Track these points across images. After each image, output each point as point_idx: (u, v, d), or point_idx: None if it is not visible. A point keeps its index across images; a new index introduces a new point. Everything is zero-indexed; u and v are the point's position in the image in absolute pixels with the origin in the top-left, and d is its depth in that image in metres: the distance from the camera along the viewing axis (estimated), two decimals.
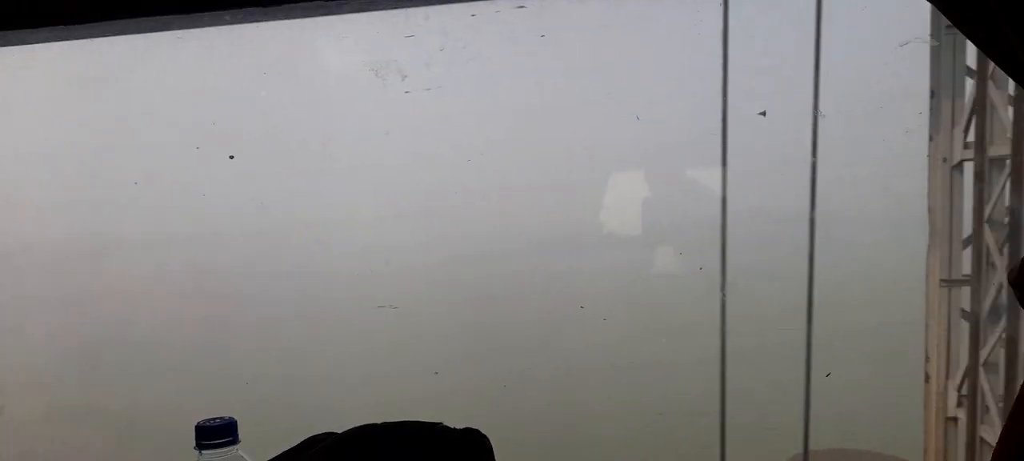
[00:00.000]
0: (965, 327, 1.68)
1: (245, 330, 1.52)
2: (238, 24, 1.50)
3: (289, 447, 1.01)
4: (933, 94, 1.62)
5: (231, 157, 1.55)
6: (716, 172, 1.39)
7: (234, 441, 1.12)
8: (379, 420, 0.96)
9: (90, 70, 1.59)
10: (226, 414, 1.10)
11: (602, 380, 1.40)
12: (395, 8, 1.41)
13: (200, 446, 1.09)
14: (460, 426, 0.96)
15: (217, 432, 1.09)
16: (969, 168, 1.65)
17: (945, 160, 1.68)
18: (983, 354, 1.74)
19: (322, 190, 1.47)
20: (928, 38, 1.26)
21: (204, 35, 1.54)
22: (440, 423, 0.98)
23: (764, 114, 1.39)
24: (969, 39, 0.89)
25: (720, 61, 1.37)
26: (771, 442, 1.39)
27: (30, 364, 1.62)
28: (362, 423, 0.97)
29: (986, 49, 0.84)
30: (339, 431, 0.95)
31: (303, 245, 1.49)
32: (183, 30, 1.56)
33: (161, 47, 1.56)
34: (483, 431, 0.97)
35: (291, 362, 1.49)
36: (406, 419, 0.96)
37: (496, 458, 0.95)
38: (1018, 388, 0.59)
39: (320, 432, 1.01)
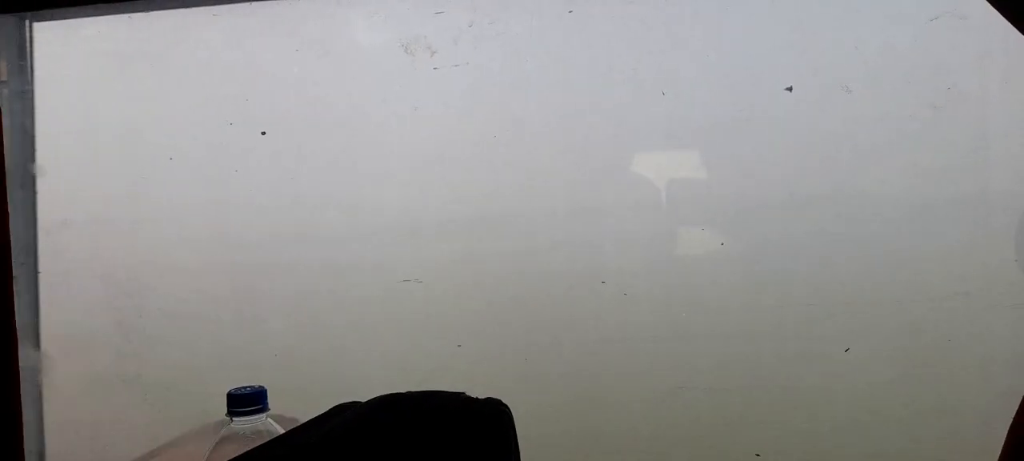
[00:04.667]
0: None
1: (276, 303, 1.55)
2: (272, 0, 1.53)
3: (314, 416, 1.04)
4: None
5: (263, 133, 1.58)
6: (743, 151, 1.40)
7: (263, 409, 1.15)
8: (404, 390, 0.99)
9: (127, 47, 1.62)
10: (256, 383, 1.13)
11: (623, 353, 1.41)
12: None
13: (231, 413, 1.12)
14: (482, 396, 0.98)
15: (248, 400, 1.13)
16: None
17: None
18: None
19: (352, 165, 1.49)
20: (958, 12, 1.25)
21: (238, 12, 1.57)
22: (462, 393, 1.00)
23: (791, 89, 1.38)
24: (1000, 12, 0.88)
25: (746, 33, 1.38)
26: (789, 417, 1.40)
27: (69, 335, 1.66)
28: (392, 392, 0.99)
29: (1016, 22, 0.83)
30: (363, 401, 0.98)
31: (333, 219, 1.51)
32: (218, 7, 1.59)
33: (197, 24, 1.59)
34: (507, 402, 0.99)
35: (319, 335, 1.52)
36: (429, 389, 0.99)
37: (518, 428, 0.97)
38: None
39: (344, 402, 1.03)
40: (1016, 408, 0.82)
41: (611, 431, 1.44)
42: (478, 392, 0.97)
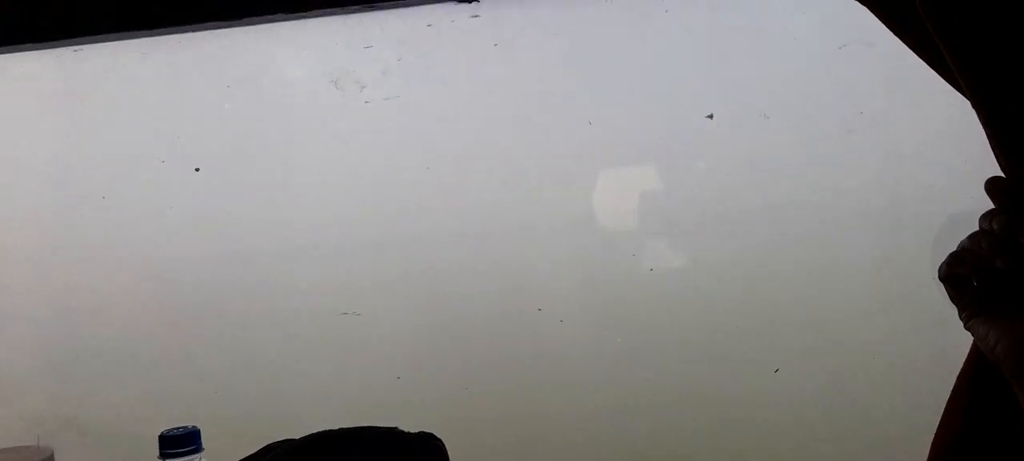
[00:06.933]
0: None
1: (211, 341, 1.54)
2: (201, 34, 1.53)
3: (248, 455, 1.04)
4: None
5: (197, 169, 1.57)
6: (668, 178, 1.44)
7: (197, 450, 1.14)
8: (345, 426, 0.99)
9: (57, 86, 1.60)
10: (193, 423, 1.13)
11: (562, 380, 1.44)
12: (354, 12, 1.44)
13: (164, 455, 1.11)
14: (416, 430, 0.99)
15: (180, 441, 1.12)
16: None
17: None
18: None
19: (286, 203, 1.49)
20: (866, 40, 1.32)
21: (168, 48, 1.56)
22: (396, 428, 1.01)
23: (711, 117, 1.42)
24: (902, 41, 0.92)
25: (668, 65, 1.42)
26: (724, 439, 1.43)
27: (2, 378, 1.63)
28: (326, 429, 0.99)
29: (918, 50, 0.87)
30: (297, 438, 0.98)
31: (268, 257, 1.51)
32: (147, 41, 1.58)
33: (126, 62, 1.57)
34: (447, 432, 1.00)
35: (256, 371, 1.51)
36: (368, 424, 0.99)
37: (460, 457, 0.98)
38: None
39: (277, 439, 1.03)
40: (939, 420, 0.85)
41: (552, 458, 1.46)
42: (418, 424, 0.98)
